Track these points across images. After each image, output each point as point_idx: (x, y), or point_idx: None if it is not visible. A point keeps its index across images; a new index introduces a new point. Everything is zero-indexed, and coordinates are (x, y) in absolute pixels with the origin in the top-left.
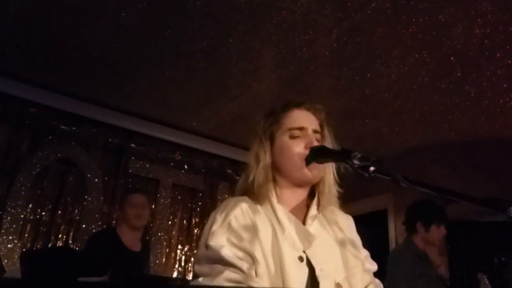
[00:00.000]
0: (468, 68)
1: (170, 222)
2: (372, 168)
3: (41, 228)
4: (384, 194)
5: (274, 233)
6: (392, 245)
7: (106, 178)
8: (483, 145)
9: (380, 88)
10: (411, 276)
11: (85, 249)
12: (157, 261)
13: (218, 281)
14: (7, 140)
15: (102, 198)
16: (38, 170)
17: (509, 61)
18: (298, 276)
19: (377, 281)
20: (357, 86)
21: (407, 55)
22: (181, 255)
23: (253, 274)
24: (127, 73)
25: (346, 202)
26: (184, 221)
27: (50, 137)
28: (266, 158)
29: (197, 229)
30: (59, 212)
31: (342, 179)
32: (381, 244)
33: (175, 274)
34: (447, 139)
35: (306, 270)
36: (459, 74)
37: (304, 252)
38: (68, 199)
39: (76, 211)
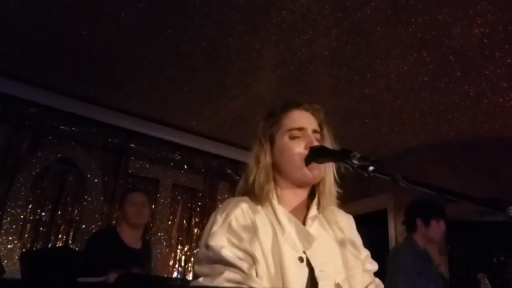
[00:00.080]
0: (467, 67)
1: (170, 222)
2: (371, 168)
3: (41, 228)
4: (384, 194)
5: (274, 234)
6: (392, 244)
7: (106, 178)
8: (482, 145)
9: (379, 88)
10: (411, 274)
11: (85, 248)
12: (157, 261)
13: (218, 282)
14: (7, 140)
15: (102, 198)
16: (38, 170)
17: (509, 61)
18: (298, 277)
19: (377, 281)
20: (356, 86)
21: (407, 55)
22: (181, 255)
23: (254, 274)
24: (127, 73)
25: (346, 202)
26: (184, 221)
27: (50, 137)
28: (266, 159)
29: (197, 229)
30: (59, 212)
31: (342, 179)
32: (381, 244)
33: (175, 274)
34: (446, 139)
35: (306, 271)
36: (458, 74)
37: (304, 252)
38: (68, 199)
39: (76, 211)
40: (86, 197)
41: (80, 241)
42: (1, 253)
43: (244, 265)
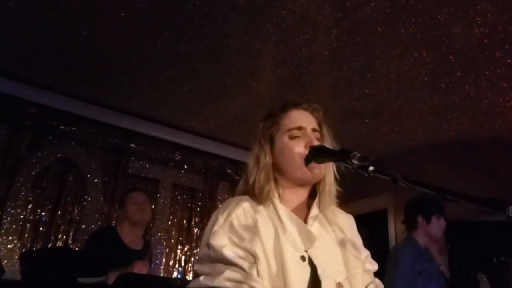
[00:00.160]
0: (467, 67)
1: (170, 222)
2: (371, 168)
3: (41, 228)
4: (384, 193)
5: (276, 233)
6: (392, 244)
7: (106, 178)
8: (482, 145)
9: (379, 88)
10: (412, 273)
11: (85, 248)
12: (157, 261)
13: (219, 281)
14: (7, 140)
15: (102, 198)
16: (38, 170)
17: (509, 61)
18: (300, 276)
19: (377, 281)
20: (356, 86)
21: (407, 55)
22: (181, 255)
23: (254, 273)
24: (127, 73)
25: (346, 201)
26: (184, 221)
27: (50, 137)
28: (266, 159)
29: (197, 229)
30: (59, 212)
31: (342, 179)
32: (381, 244)
33: (175, 274)
34: (446, 139)
35: (308, 270)
36: (458, 74)
37: (305, 252)
38: (68, 199)
39: (76, 211)
40: (86, 197)
41: (80, 241)
42: (1, 253)
43: (245, 264)
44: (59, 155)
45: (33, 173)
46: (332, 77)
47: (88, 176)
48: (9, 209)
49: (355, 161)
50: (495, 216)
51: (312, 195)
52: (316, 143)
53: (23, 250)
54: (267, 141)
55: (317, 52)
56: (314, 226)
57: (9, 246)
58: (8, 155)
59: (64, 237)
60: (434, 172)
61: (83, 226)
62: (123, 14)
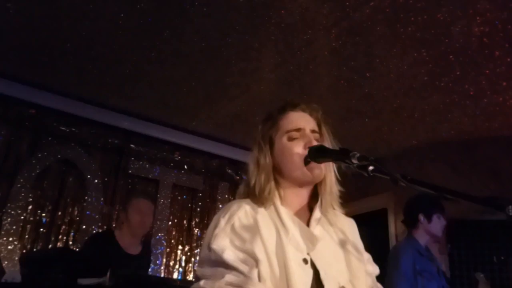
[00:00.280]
0: (467, 66)
1: (170, 222)
2: (371, 168)
3: (41, 229)
4: (384, 193)
5: (278, 235)
6: (393, 244)
7: (106, 179)
8: (482, 144)
9: (379, 87)
10: (412, 273)
11: (83, 251)
12: (157, 262)
13: (219, 285)
14: (7, 142)
15: (102, 199)
16: (38, 171)
17: (508, 59)
18: (302, 279)
19: (379, 285)
20: (356, 86)
21: (406, 54)
22: (181, 255)
23: (255, 277)
24: (126, 74)
25: (346, 201)
26: (184, 221)
27: (49, 138)
28: (266, 161)
29: (197, 229)
30: (59, 213)
31: (343, 178)
32: (382, 244)
33: (175, 275)
34: (446, 138)
35: (310, 272)
36: (458, 73)
37: (308, 254)
38: (68, 200)
39: (76, 212)
40: (86, 197)
41: (80, 241)
42: (1, 254)
43: (245, 268)
44: (59, 156)
45: (33, 174)
46: (332, 76)
47: (88, 176)
48: (9, 210)
49: (354, 161)
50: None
51: (315, 198)
52: (315, 143)
53: (24, 251)
54: (266, 143)
55: (317, 52)
56: (317, 229)
57: (9, 247)
58: (8, 156)
59: (65, 238)
60: (434, 171)
61: (84, 227)
62: (122, 15)
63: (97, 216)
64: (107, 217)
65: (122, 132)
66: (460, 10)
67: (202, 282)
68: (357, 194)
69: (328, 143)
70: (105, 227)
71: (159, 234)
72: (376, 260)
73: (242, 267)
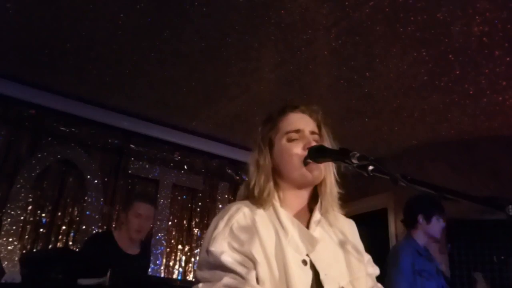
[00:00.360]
0: (467, 66)
1: (170, 223)
2: (371, 168)
3: (41, 230)
4: (384, 193)
5: (277, 237)
6: (392, 244)
7: (106, 179)
8: (482, 143)
9: (379, 87)
10: (411, 273)
11: (82, 251)
12: (157, 262)
13: (217, 287)
14: (7, 142)
15: (102, 199)
16: (38, 171)
17: (508, 59)
18: (302, 280)
19: (379, 285)
20: (356, 85)
21: (406, 54)
22: (181, 255)
23: (252, 279)
24: (126, 74)
25: (346, 201)
26: (184, 221)
27: (49, 139)
28: (266, 163)
29: (197, 229)
30: (59, 213)
31: (343, 178)
32: (381, 243)
33: (175, 275)
34: (446, 138)
35: (310, 274)
36: (458, 72)
37: (307, 256)
38: (68, 200)
39: (76, 212)
40: (86, 198)
41: (80, 242)
42: (1, 255)
43: (243, 270)
44: (59, 156)
45: (33, 174)
46: (332, 76)
47: (88, 177)
48: (9, 211)
49: (354, 161)
50: (495, 215)
51: (314, 199)
52: (314, 144)
53: (24, 251)
54: (266, 145)
55: (317, 52)
56: (316, 231)
57: (9, 247)
58: (8, 156)
59: (65, 238)
60: (434, 171)
61: (83, 227)
62: (121, 15)
63: (97, 216)
64: (107, 217)
65: (122, 132)
66: (460, 9)
67: (200, 285)
68: (357, 194)
69: (328, 145)
70: (105, 227)
71: (159, 234)
72: (376, 260)
73: (240, 269)
